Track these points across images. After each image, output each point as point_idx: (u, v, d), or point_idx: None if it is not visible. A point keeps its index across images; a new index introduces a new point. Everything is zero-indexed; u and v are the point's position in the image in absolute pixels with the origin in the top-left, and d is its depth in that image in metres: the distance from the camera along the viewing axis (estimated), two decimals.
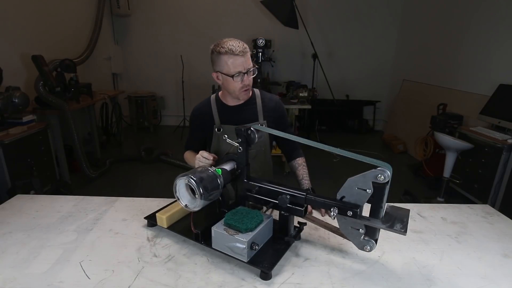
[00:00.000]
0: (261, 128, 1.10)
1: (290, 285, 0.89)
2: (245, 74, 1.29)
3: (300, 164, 1.48)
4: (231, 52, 1.24)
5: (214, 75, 1.35)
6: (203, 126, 1.47)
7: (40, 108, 3.13)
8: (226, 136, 1.12)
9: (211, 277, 0.91)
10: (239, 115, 1.41)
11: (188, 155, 1.52)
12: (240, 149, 1.07)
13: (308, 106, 3.99)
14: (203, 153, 1.23)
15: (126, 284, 0.88)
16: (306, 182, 1.42)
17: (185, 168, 3.75)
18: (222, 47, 1.25)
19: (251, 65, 1.31)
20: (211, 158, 1.22)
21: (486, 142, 2.77)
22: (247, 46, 1.29)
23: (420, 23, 4.93)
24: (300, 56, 5.64)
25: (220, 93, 1.47)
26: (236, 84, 1.30)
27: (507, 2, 3.23)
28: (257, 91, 1.47)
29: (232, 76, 1.27)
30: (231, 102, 1.43)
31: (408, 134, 4.70)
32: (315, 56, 4.86)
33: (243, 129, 1.05)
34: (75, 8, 4.37)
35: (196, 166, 1.26)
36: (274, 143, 1.63)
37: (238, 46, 1.25)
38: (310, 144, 1.07)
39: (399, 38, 5.52)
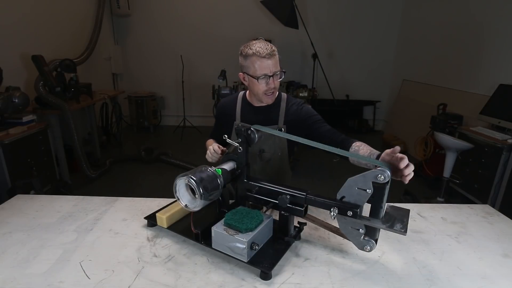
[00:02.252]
0: (261, 128, 1.10)
1: (290, 285, 0.89)
2: (271, 77, 1.28)
3: (359, 146, 1.25)
4: (258, 54, 1.23)
5: (241, 75, 1.34)
6: (225, 121, 1.48)
7: (40, 108, 3.13)
8: (226, 136, 1.12)
9: (211, 277, 0.91)
10: (260, 116, 1.40)
11: (209, 142, 1.55)
12: (240, 149, 1.07)
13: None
14: (214, 146, 1.28)
15: (126, 284, 0.88)
16: (375, 152, 1.13)
17: (185, 168, 3.75)
18: (250, 49, 1.25)
19: (279, 68, 1.29)
20: (220, 152, 1.26)
21: (486, 142, 2.77)
22: (276, 49, 1.27)
23: (420, 23, 4.92)
24: (300, 56, 5.65)
25: (247, 92, 1.47)
26: (260, 87, 1.29)
27: (507, 2, 3.23)
28: (284, 95, 1.46)
29: (257, 78, 1.27)
30: (256, 102, 1.43)
31: (408, 134, 4.70)
32: (315, 56, 4.86)
33: (243, 129, 1.06)
34: (75, 8, 4.37)
35: (206, 157, 1.31)
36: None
37: (266, 48, 1.24)
38: (310, 144, 1.07)
39: (399, 38, 5.53)
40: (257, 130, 1.09)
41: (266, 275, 0.90)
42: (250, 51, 1.25)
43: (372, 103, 5.79)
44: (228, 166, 1.08)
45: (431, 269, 0.97)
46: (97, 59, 4.85)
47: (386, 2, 5.39)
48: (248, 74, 1.30)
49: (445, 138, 2.82)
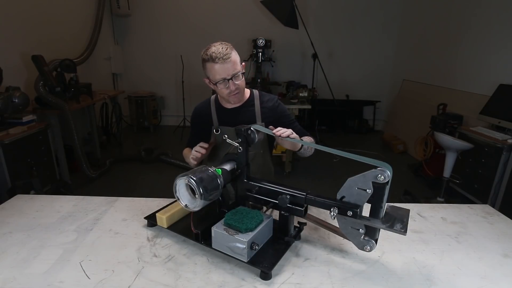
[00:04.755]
0: (261, 128, 1.10)
1: (290, 285, 0.89)
2: (230, 80, 1.27)
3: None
4: (212, 60, 1.23)
5: (206, 80, 1.34)
6: (202, 126, 1.48)
7: (40, 108, 3.13)
8: (226, 136, 1.12)
9: (211, 277, 0.91)
10: (237, 118, 1.40)
11: (186, 151, 1.53)
12: (240, 149, 1.07)
13: (308, 106, 3.99)
14: (196, 147, 1.28)
15: (126, 284, 0.88)
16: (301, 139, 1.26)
17: (185, 168, 3.75)
18: (206, 54, 1.24)
19: (237, 69, 1.27)
20: (203, 151, 1.27)
21: (486, 142, 2.77)
22: (231, 51, 1.25)
23: (420, 23, 4.92)
24: (300, 56, 5.64)
25: (218, 95, 1.47)
26: (223, 90, 1.30)
27: (507, 2, 3.23)
28: (256, 92, 1.46)
29: (216, 83, 1.27)
30: (228, 105, 1.43)
31: (408, 134, 4.70)
32: (315, 56, 4.86)
33: (243, 129, 1.06)
34: (75, 8, 4.37)
35: (191, 159, 1.30)
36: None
37: (220, 52, 1.22)
38: (310, 145, 1.08)
39: (399, 38, 5.52)
40: (257, 130, 1.09)
41: (266, 275, 0.90)
42: (206, 57, 1.24)
43: (372, 103, 5.79)
44: (228, 166, 1.08)
45: (431, 269, 0.97)
46: (97, 59, 4.85)
47: (386, 2, 5.39)
48: (209, 79, 1.30)
49: (445, 138, 2.82)
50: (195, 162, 1.32)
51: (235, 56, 1.27)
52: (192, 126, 1.56)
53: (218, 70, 1.24)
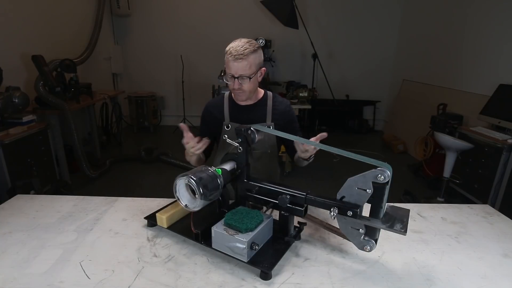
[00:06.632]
0: (261, 128, 1.10)
1: (290, 285, 0.89)
2: (236, 79, 1.28)
3: None
4: (229, 54, 1.26)
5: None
6: (213, 122, 1.48)
7: (40, 108, 3.13)
8: (226, 136, 1.12)
9: (211, 277, 0.91)
10: (248, 115, 1.41)
11: None
12: (240, 149, 1.07)
13: (308, 106, 3.99)
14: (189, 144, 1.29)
15: (126, 284, 0.88)
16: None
17: (185, 168, 3.75)
18: (228, 46, 1.28)
19: (247, 72, 1.26)
20: (197, 140, 1.27)
21: (486, 142, 2.77)
22: (249, 53, 1.24)
23: (420, 23, 4.93)
24: (300, 56, 5.64)
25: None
26: (229, 84, 1.32)
27: (507, 2, 3.23)
28: (270, 93, 1.48)
29: (225, 76, 1.31)
30: (241, 101, 1.44)
31: (408, 134, 4.70)
32: (315, 56, 4.86)
33: (243, 129, 1.06)
34: (75, 8, 4.37)
35: (187, 156, 1.32)
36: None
37: (237, 50, 1.24)
38: (314, 144, 1.08)
39: (399, 38, 5.53)
40: (257, 130, 1.09)
41: (266, 275, 0.90)
42: (227, 48, 1.27)
43: (372, 103, 5.79)
44: (228, 166, 1.08)
45: (431, 269, 0.97)
46: (97, 59, 4.85)
47: (386, 3, 5.39)
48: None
49: (445, 138, 2.82)
50: (194, 159, 1.33)
51: (252, 59, 1.25)
52: (202, 122, 1.55)
53: (229, 65, 1.27)
